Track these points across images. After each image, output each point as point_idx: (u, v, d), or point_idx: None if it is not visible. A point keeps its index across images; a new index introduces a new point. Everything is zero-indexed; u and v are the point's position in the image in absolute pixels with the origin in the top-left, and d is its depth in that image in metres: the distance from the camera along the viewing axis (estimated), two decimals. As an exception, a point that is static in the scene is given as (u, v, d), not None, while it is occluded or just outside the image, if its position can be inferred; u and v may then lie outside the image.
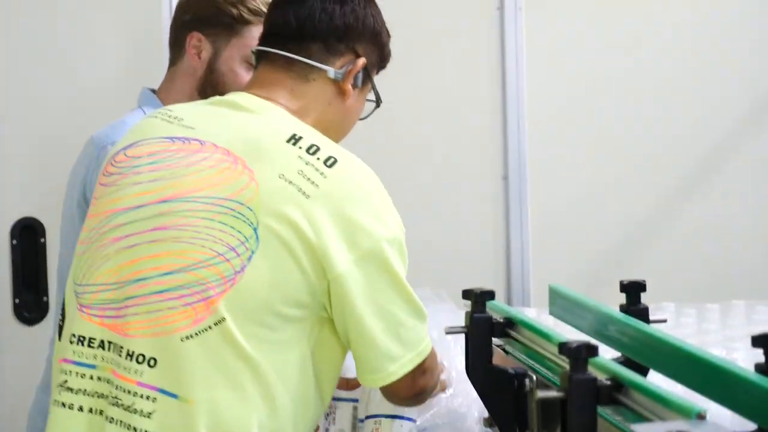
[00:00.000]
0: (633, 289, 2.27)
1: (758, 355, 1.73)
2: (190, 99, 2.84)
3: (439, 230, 4.13)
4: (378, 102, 2.49)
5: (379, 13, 2.44)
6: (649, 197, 4.25)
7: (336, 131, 2.35)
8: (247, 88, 2.40)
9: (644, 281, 2.28)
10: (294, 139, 2.19)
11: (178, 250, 2.15)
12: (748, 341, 1.76)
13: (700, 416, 1.50)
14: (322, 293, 2.14)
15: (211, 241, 2.13)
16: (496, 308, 2.33)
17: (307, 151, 2.17)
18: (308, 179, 2.14)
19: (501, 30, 4.13)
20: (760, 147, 4.28)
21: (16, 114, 3.89)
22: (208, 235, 2.14)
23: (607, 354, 2.00)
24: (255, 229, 2.12)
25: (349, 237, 2.13)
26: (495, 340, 2.29)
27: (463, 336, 2.32)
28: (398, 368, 2.19)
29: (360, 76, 2.37)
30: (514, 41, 4.12)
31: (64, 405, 2.19)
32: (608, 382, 1.75)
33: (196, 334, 2.11)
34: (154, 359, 2.12)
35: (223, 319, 2.10)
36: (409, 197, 4.08)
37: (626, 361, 2.04)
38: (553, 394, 1.80)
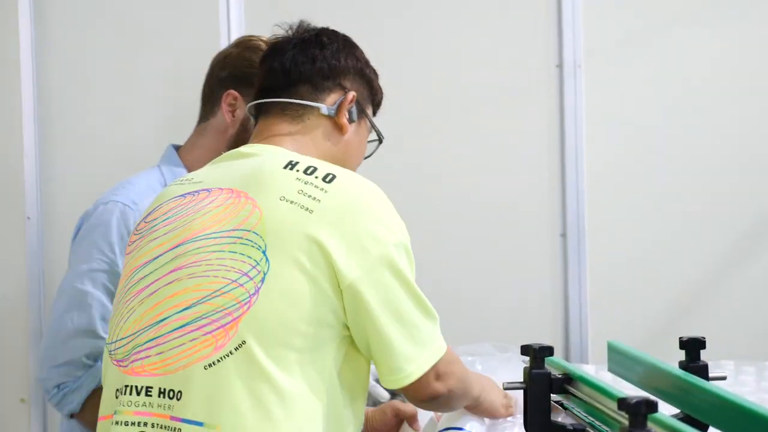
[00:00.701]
0: (692, 346, 2.25)
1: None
2: (218, 153, 2.74)
3: (499, 286, 4.12)
4: (380, 139, 2.56)
5: (361, 53, 2.52)
6: (707, 254, 4.22)
7: (341, 165, 2.36)
8: (252, 138, 2.48)
9: (704, 338, 2.26)
10: (291, 165, 2.25)
11: (194, 284, 2.19)
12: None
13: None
14: (342, 310, 2.17)
15: (223, 270, 2.17)
16: (555, 364, 2.32)
17: (305, 172, 2.23)
18: (309, 196, 2.18)
19: (560, 87, 4.13)
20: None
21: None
22: (219, 265, 2.18)
23: (667, 411, 1.99)
24: (264, 252, 2.16)
25: (356, 245, 2.16)
26: (554, 397, 2.28)
27: (521, 393, 2.31)
28: (416, 368, 2.20)
29: (354, 110, 2.44)
30: (573, 98, 4.12)
31: None
32: (667, 439, 1.74)
33: (219, 360, 2.13)
34: (180, 392, 2.15)
35: (244, 342, 2.13)
36: (471, 254, 4.11)
37: (685, 418, 2.03)
38: (612, 451, 1.79)
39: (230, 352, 2.13)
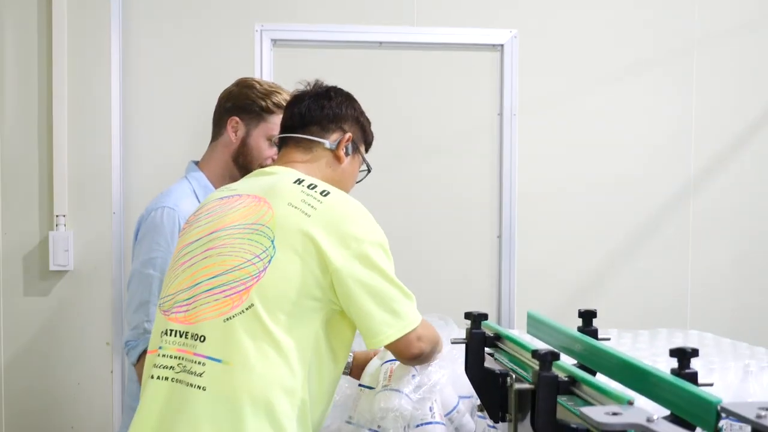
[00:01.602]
0: (587, 316, 2.28)
1: (674, 363, 1.75)
2: (226, 164, 2.96)
3: (452, 270, 4.13)
4: (368, 169, 2.59)
5: (358, 105, 2.56)
6: (603, 254, 4.23)
7: (337, 186, 2.40)
8: (276, 161, 2.54)
9: (595, 310, 2.29)
10: (298, 181, 2.31)
11: (221, 260, 2.25)
12: (668, 356, 1.78)
13: (630, 403, 1.51)
14: (329, 288, 2.21)
15: (242, 252, 2.23)
16: (488, 326, 2.34)
17: (308, 187, 2.29)
18: (309, 204, 2.24)
19: (500, 130, 4.14)
20: (678, 222, 4.28)
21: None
22: (240, 248, 2.24)
23: (569, 361, 2.01)
24: (272, 241, 2.21)
25: (340, 242, 2.21)
26: (487, 349, 2.30)
27: (464, 346, 2.33)
28: (395, 332, 2.22)
29: (350, 147, 2.49)
30: (509, 138, 4.13)
31: (152, 377, 2.25)
32: (566, 379, 1.76)
33: (234, 315, 2.18)
34: (204, 336, 2.19)
35: (252, 305, 2.18)
36: (434, 248, 4.11)
37: (581, 366, 2.05)
38: (526, 386, 1.81)
39: (242, 311, 2.18)
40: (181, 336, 2.23)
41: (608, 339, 2.24)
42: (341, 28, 4.05)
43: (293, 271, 2.19)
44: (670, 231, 4.27)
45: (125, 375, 3.90)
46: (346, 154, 2.48)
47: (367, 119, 2.58)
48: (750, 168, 4.31)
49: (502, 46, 4.10)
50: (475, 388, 2.25)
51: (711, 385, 1.73)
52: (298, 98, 2.53)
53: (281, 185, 2.31)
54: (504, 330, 2.31)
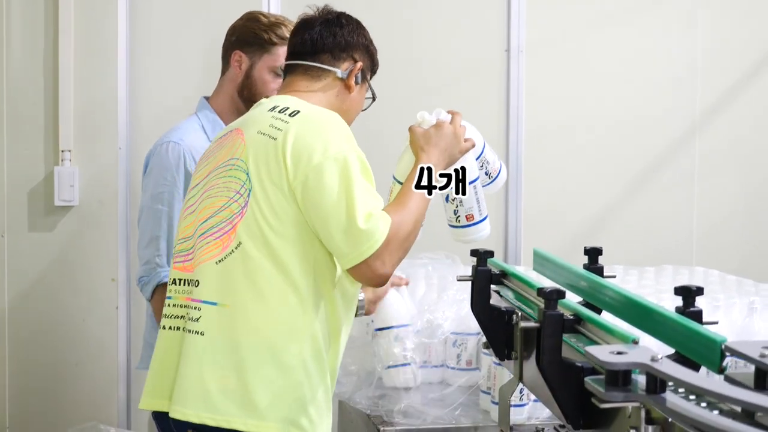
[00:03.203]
0: (593, 254, 2.25)
1: (679, 301, 1.75)
2: (232, 98, 2.96)
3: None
4: (374, 97, 2.53)
5: (367, 33, 2.49)
6: (610, 191, 4.26)
7: (344, 116, 2.37)
8: (278, 90, 2.50)
9: (601, 248, 2.26)
10: (272, 107, 2.27)
11: (210, 203, 2.25)
12: (673, 293, 1.78)
13: (635, 342, 1.51)
14: (297, 206, 2.16)
15: (225, 191, 2.22)
16: (494, 264, 2.33)
17: (279, 111, 2.25)
18: (276, 128, 2.21)
19: (507, 67, 4.12)
20: (684, 160, 4.28)
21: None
22: (223, 186, 2.23)
23: (574, 299, 2.01)
24: (247, 173, 2.20)
25: (300, 158, 2.16)
26: (493, 287, 2.28)
27: (470, 283, 2.31)
28: (347, 261, 2.16)
29: (359, 76, 2.43)
30: (516, 75, 4.12)
31: (164, 327, 2.28)
32: (571, 317, 1.76)
33: (226, 257, 2.18)
34: (198, 281, 2.20)
35: (241, 243, 2.17)
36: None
37: (586, 304, 2.04)
38: (531, 324, 1.80)
39: (233, 251, 2.17)
40: (183, 284, 2.25)
41: (614, 276, 2.23)
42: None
43: (271, 200, 2.17)
44: (677, 169, 4.28)
45: (131, 311, 3.92)
46: (356, 83, 2.43)
47: (375, 47, 2.52)
48: (755, 106, 4.31)
49: (510, -19, 4.07)
50: (481, 326, 2.24)
51: (716, 323, 1.73)
52: (307, 23, 2.45)
53: (256, 114, 2.30)
54: (510, 267, 2.30)
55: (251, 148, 2.21)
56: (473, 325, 2.46)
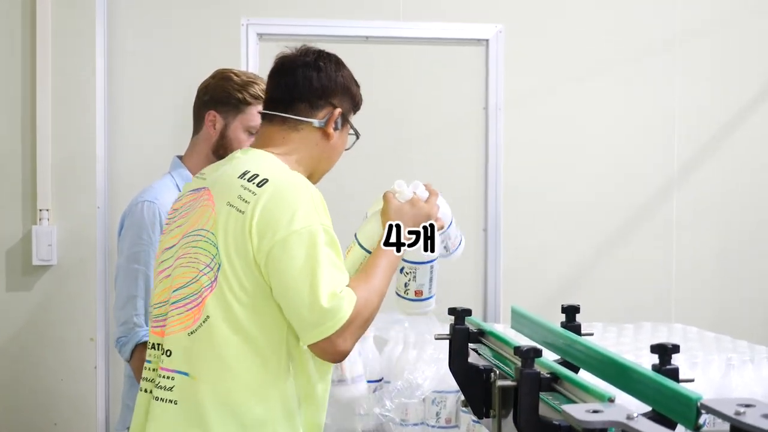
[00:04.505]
0: (570, 312, 2.28)
1: (656, 359, 1.75)
2: (207, 157, 2.89)
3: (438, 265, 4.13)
4: (357, 135, 2.45)
5: (347, 71, 2.42)
6: (588, 248, 4.27)
7: (325, 162, 2.37)
8: (255, 140, 2.43)
9: (578, 305, 2.28)
10: (243, 173, 2.21)
11: (182, 272, 2.22)
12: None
13: (611, 400, 1.52)
14: (267, 281, 2.14)
15: (195, 263, 2.19)
16: (472, 322, 2.34)
17: (249, 180, 2.18)
18: (243, 200, 2.15)
19: (486, 124, 4.14)
20: (662, 215, 4.30)
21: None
22: (195, 257, 2.20)
23: (552, 357, 2.02)
24: (217, 247, 2.16)
25: (265, 232, 2.11)
26: (471, 345, 2.29)
27: (448, 341, 2.32)
28: (310, 337, 2.11)
29: (339, 121, 2.35)
30: (495, 132, 4.14)
31: (141, 389, 2.28)
32: (548, 375, 1.76)
33: (196, 329, 2.16)
34: (170, 351, 2.18)
35: (209, 316, 2.15)
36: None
37: (564, 362, 2.05)
38: (509, 383, 1.81)
39: (202, 324, 2.16)
40: (159, 350, 2.24)
41: (591, 334, 2.24)
42: (328, 22, 4.04)
43: (240, 275, 2.14)
44: (655, 225, 4.31)
45: (110, 371, 3.89)
46: (335, 129, 2.35)
47: (356, 83, 2.43)
48: (733, 160, 4.35)
49: (487, 41, 4.09)
50: (459, 384, 2.24)
51: (692, 380, 1.74)
52: (284, 66, 2.36)
53: (226, 180, 2.23)
54: (487, 326, 2.30)
55: (221, 221, 2.17)
56: (452, 383, 2.45)
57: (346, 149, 2.45)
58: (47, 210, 3.90)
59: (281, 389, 2.18)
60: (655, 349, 1.74)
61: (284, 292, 2.12)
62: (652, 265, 4.29)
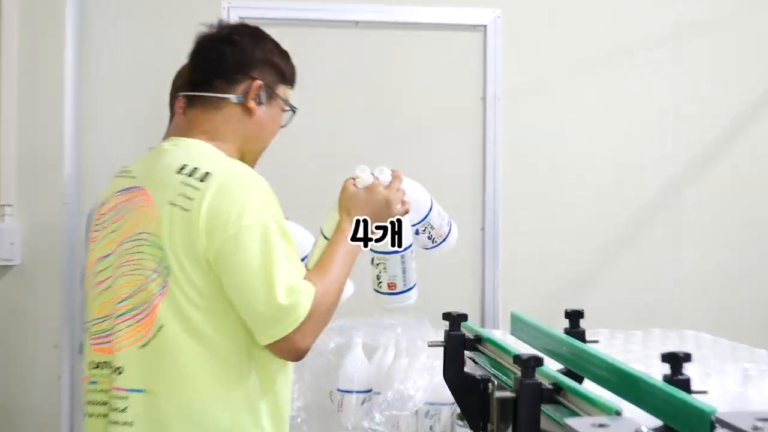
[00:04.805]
0: (574, 317, 2.26)
1: (667, 368, 1.74)
2: None
3: (428, 267, 4.10)
4: (292, 110, 2.44)
5: (269, 42, 2.41)
6: (593, 249, 4.26)
7: (255, 141, 2.36)
8: (176, 129, 2.44)
9: (582, 310, 2.26)
10: (181, 168, 2.20)
11: (126, 281, 2.20)
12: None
13: (618, 413, 1.50)
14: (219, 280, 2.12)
15: (140, 269, 2.17)
16: (468, 328, 2.32)
17: (188, 175, 2.17)
18: (187, 197, 2.14)
19: (483, 115, 4.14)
20: (671, 215, 4.30)
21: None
22: (138, 264, 2.18)
23: (554, 366, 2.00)
24: (163, 249, 2.14)
25: (215, 228, 2.10)
26: (467, 353, 2.27)
27: (442, 349, 2.29)
28: (266, 338, 2.12)
29: (263, 94, 2.35)
30: (493, 124, 4.13)
31: (87, 414, 2.25)
32: (550, 386, 1.75)
33: (149, 341, 2.14)
34: (121, 368, 2.16)
35: (162, 325, 2.13)
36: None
37: (567, 372, 2.03)
38: (507, 394, 1.79)
39: (154, 334, 2.14)
40: (106, 368, 2.21)
41: (596, 341, 2.23)
42: (315, 5, 4.04)
43: (192, 277, 2.13)
44: (663, 224, 4.29)
45: (76, 382, 3.87)
46: (259, 103, 2.35)
47: (282, 53, 2.43)
48: (741, 159, 4.34)
49: (484, 27, 4.10)
50: (454, 395, 2.23)
51: (705, 392, 1.72)
52: (199, 45, 2.40)
53: (162, 177, 2.21)
54: (485, 332, 2.28)
55: (164, 222, 2.15)
56: (447, 394, 2.44)
57: (283, 126, 2.45)
58: (10, 206, 3.89)
59: (245, 392, 2.17)
60: (666, 357, 1.72)
61: (238, 291, 2.12)
62: (661, 265, 4.28)
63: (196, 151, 2.27)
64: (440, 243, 2.66)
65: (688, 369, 1.73)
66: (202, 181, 2.16)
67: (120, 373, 2.17)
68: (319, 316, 2.17)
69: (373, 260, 2.52)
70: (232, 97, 2.33)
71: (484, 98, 4.12)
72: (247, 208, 2.13)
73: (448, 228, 2.68)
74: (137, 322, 2.16)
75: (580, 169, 4.25)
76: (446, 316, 2.32)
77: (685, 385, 1.67)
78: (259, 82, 2.35)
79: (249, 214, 2.13)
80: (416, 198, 2.54)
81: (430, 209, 2.60)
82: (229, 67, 2.34)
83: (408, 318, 3.08)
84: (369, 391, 2.92)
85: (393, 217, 2.43)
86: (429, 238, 2.62)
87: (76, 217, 3.90)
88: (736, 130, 4.34)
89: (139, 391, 2.14)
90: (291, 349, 2.15)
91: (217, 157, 2.25)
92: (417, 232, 2.60)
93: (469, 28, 4.06)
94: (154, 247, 2.15)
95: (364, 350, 3.02)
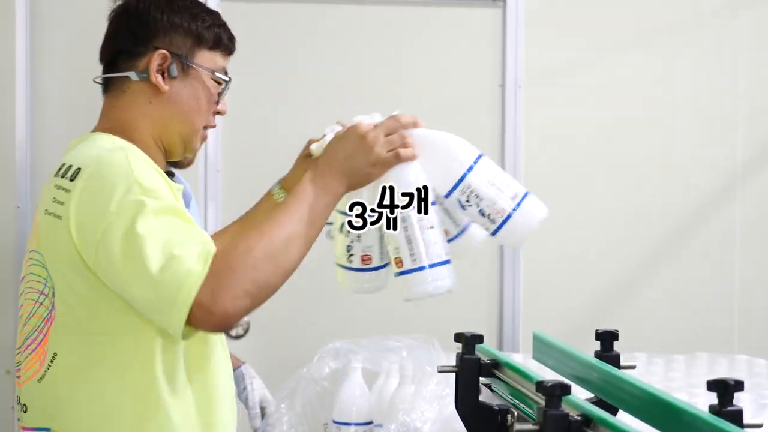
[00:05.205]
0: (606, 338, 2.26)
1: (713, 398, 1.73)
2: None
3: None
4: (224, 80, 2.33)
5: (175, 4, 2.30)
6: (628, 260, 4.25)
7: (174, 122, 2.28)
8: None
9: (617, 331, 2.27)
10: (58, 170, 2.15)
11: (24, 307, 2.20)
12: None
13: (658, 451, 1.50)
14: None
15: (31, 291, 2.17)
16: (484, 351, 2.33)
17: (62, 176, 2.12)
18: (59, 202, 2.09)
19: (502, 104, 4.14)
20: (722, 221, 4.29)
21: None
22: (28, 286, 2.18)
23: (583, 395, 2.00)
24: (46, 268, 2.12)
25: (85, 230, 2.03)
26: (482, 380, 2.28)
27: (453, 375, 2.29)
28: (173, 331, 1.98)
29: (173, 66, 2.25)
30: (513, 114, 4.13)
31: None
32: (579, 417, 1.75)
33: (45, 374, 2.13)
34: (26, 405, 2.17)
35: (56, 353, 2.12)
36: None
37: (598, 402, 2.04)
38: (530, 427, 1.78)
39: (49, 365, 2.13)
40: (19, 405, 2.23)
41: (633, 367, 2.23)
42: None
43: (79, 292, 2.08)
44: (713, 231, 4.28)
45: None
46: (171, 77, 2.25)
47: (197, 14, 2.31)
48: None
49: (504, 2, 4.09)
50: (467, 428, 2.23)
51: (760, 426, 1.72)
52: (109, 25, 2.34)
53: (47, 182, 2.18)
54: (503, 355, 2.30)
55: (43, 236, 2.13)
56: (459, 427, 2.44)
57: (217, 101, 2.34)
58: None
59: (164, 409, 2.11)
60: (714, 385, 1.71)
61: (128, 293, 2.02)
62: (709, 281, 4.28)
63: (85, 144, 2.21)
64: (502, 224, 2.30)
65: (740, 399, 1.72)
66: (72, 180, 2.10)
67: (25, 411, 2.18)
68: (232, 272, 1.96)
69: (342, 227, 2.25)
70: (132, 75, 2.25)
71: (503, 86, 4.12)
72: (112, 197, 2.02)
73: (513, 203, 2.34)
74: (31, 352, 2.15)
75: (615, 168, 4.24)
76: (458, 337, 2.33)
77: (736, 417, 1.66)
78: (162, 52, 2.24)
79: (113, 203, 2.01)
80: (441, 147, 2.27)
81: (471, 167, 2.26)
82: (129, 40, 2.27)
83: (414, 340, 3.08)
84: (369, 423, 2.92)
85: (378, 162, 2.17)
86: (482, 213, 2.25)
87: (29, 222, 3.88)
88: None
89: (45, 430, 2.14)
90: (209, 319, 1.96)
91: (97, 148, 2.16)
92: (461, 204, 2.26)
93: (487, 3, 4.05)
94: (39, 267, 2.14)
95: (364, 376, 3.02)
